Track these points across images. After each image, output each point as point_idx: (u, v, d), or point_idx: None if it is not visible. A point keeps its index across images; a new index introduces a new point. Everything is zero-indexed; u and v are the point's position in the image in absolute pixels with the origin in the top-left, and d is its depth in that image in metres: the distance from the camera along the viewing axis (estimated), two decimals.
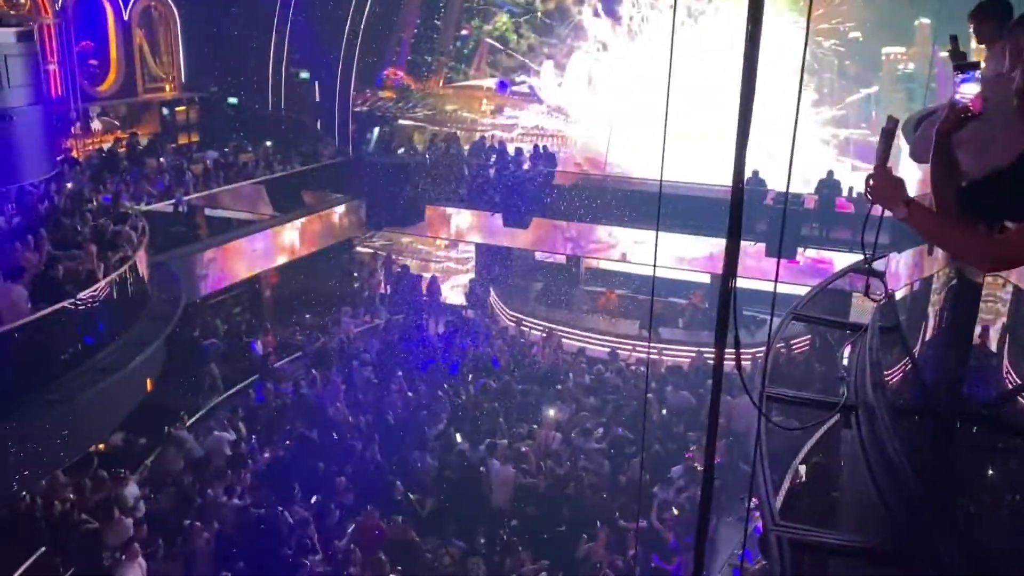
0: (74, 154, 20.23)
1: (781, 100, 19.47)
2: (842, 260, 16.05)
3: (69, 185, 15.90)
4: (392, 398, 14.79)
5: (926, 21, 23.28)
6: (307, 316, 19.98)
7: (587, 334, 19.01)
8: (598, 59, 24.34)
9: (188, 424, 13.80)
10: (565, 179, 20.76)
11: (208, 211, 19.39)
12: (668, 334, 18.68)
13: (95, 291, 11.37)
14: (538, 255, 22.54)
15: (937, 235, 2.73)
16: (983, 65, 2.86)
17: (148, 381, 12.24)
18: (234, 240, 18.18)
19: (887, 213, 2.61)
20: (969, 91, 2.63)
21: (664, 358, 17.09)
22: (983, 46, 4.37)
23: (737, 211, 2.56)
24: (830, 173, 18.63)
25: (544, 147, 22.02)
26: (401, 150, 23.71)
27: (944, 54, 3.73)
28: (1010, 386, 3.25)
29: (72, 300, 10.84)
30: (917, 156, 4.27)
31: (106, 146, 21.79)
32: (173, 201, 18.21)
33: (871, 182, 2.59)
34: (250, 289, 19.77)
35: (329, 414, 14.22)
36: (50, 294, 10.62)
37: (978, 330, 3.43)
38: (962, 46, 3.59)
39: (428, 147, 23.47)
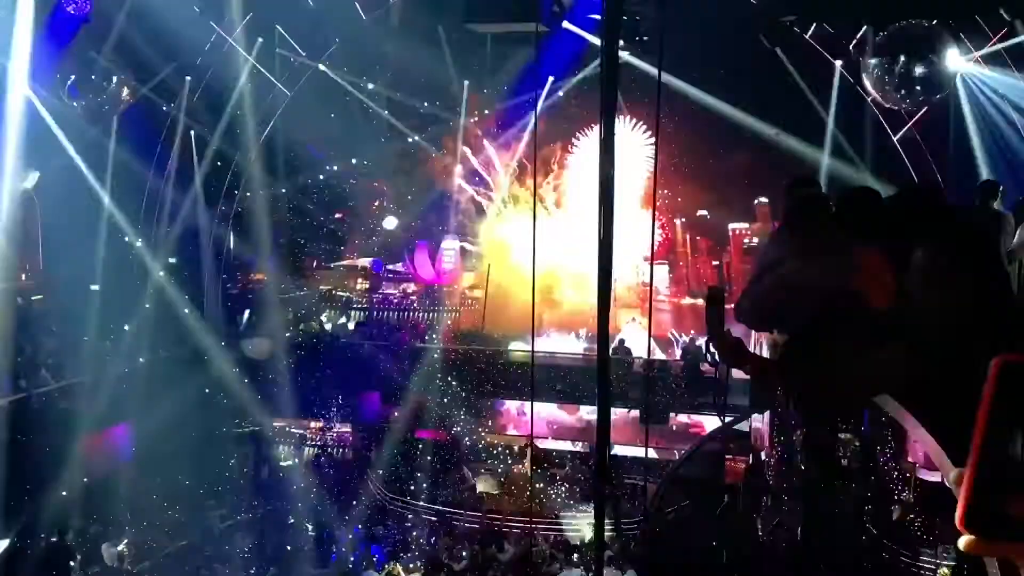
0: None
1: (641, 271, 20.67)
2: (711, 423, 16.58)
3: None
4: None
5: (764, 200, 25.60)
6: (169, 513, 18.49)
7: (475, 515, 18.38)
8: (470, 231, 24.97)
9: None
10: (444, 354, 20.80)
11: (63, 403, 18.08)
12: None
13: None
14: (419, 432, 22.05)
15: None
16: None
17: None
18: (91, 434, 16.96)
19: (743, 375, 2.78)
20: None
21: (552, 533, 16.69)
22: None
23: (604, 382, 2.67)
24: (692, 339, 19.55)
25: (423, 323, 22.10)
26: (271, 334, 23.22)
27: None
28: (875, 532, 3.41)
29: None
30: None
31: None
32: (24, 395, 17.02)
33: (712, 347, 2.77)
34: (107, 486, 18.25)
35: None
36: None
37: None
38: None
39: (300, 329, 23.15)
